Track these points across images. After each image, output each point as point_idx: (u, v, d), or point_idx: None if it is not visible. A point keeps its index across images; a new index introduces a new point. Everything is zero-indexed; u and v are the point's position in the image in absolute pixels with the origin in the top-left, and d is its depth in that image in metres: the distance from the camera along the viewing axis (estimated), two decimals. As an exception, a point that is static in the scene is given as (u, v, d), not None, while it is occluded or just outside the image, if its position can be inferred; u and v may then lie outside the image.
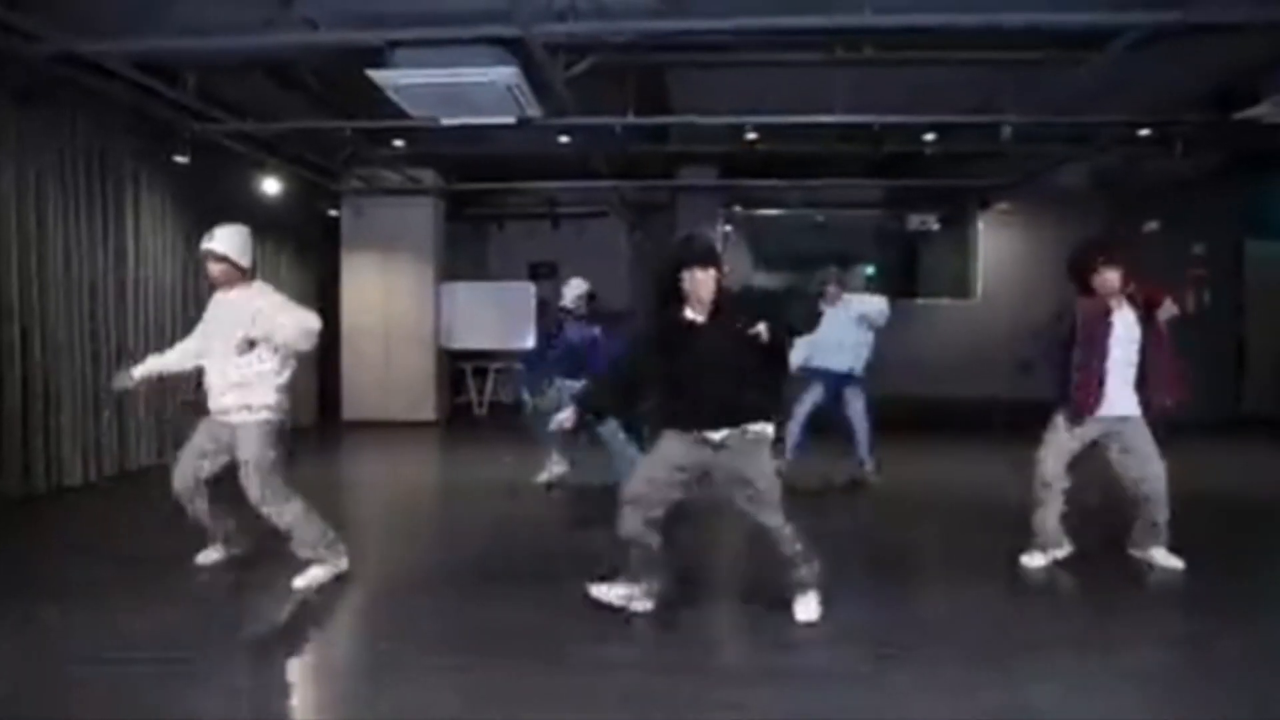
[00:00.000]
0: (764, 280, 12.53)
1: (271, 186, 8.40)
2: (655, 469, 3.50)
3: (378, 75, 5.09)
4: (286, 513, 3.86)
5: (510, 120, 5.78)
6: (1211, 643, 3.41)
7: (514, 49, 5.00)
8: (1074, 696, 2.91)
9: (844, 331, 6.04)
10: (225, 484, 4.02)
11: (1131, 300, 4.09)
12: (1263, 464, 7.73)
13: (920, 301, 12.84)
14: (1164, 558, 4.22)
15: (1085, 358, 4.07)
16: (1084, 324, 4.08)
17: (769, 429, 3.47)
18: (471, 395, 11.40)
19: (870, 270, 14.66)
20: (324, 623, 3.71)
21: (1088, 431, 4.17)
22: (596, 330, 6.03)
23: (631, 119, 6.73)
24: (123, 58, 5.59)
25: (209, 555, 4.18)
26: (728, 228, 11.94)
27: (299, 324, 3.79)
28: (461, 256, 11.59)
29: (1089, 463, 4.30)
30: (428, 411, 10.50)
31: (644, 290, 11.31)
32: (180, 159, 6.97)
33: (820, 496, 6.01)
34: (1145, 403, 4.10)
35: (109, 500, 6.06)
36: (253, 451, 3.82)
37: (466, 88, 5.13)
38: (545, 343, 6.36)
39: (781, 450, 5.61)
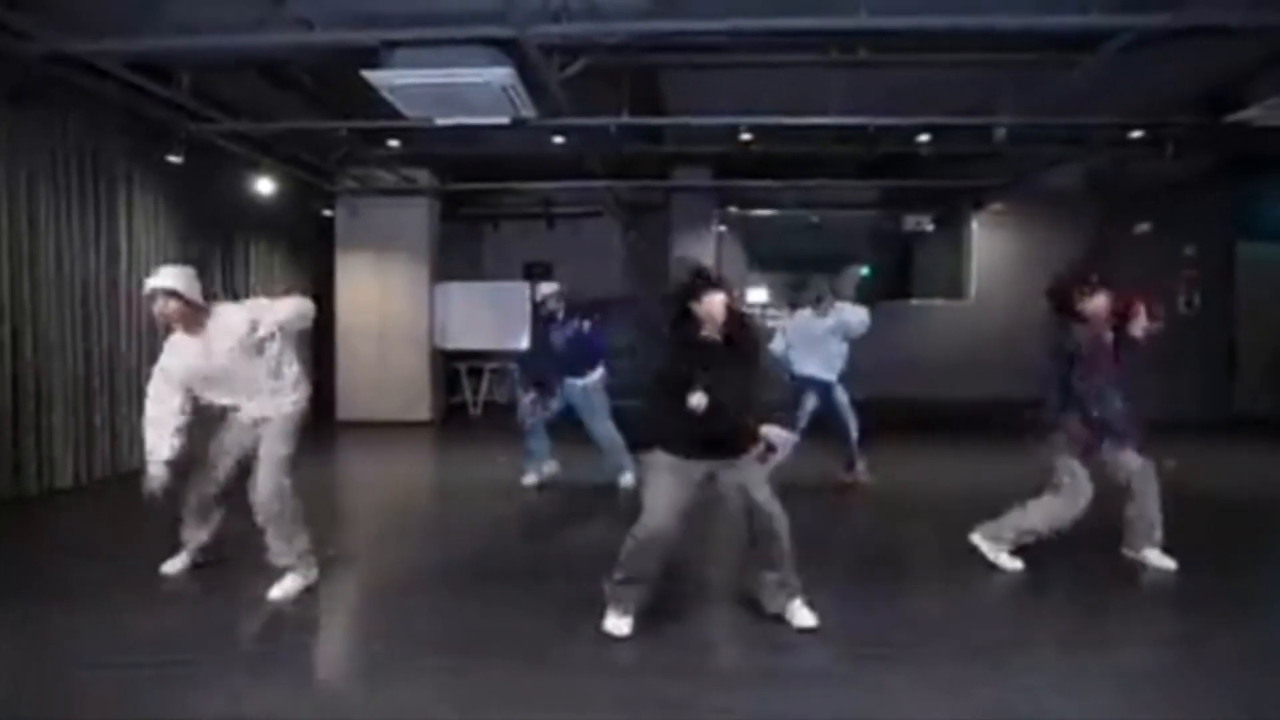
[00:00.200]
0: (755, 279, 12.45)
1: (266, 186, 8.39)
2: (675, 496, 3.40)
3: (372, 75, 5.08)
4: (286, 514, 3.84)
5: (505, 121, 5.78)
6: (1204, 642, 3.42)
7: (509, 50, 5.01)
8: (1068, 696, 2.92)
9: (829, 341, 6.15)
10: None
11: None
12: (1254, 465, 7.76)
13: (914, 302, 12.87)
14: (1157, 558, 4.25)
15: (1092, 384, 4.06)
16: (1086, 355, 4.07)
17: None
18: (466, 395, 11.39)
19: (865, 271, 14.71)
20: (319, 624, 3.71)
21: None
22: (584, 324, 6.07)
23: (626, 119, 6.73)
24: (115, 57, 5.56)
25: (174, 564, 4.13)
26: (722, 228, 11.94)
27: (292, 306, 3.90)
28: (456, 256, 11.55)
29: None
30: (422, 412, 10.48)
31: (641, 289, 11.34)
32: (174, 159, 6.95)
33: (815, 496, 6.01)
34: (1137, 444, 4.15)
35: (100, 502, 6.02)
36: (275, 445, 3.83)
37: (461, 88, 5.13)
38: (540, 343, 6.36)
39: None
